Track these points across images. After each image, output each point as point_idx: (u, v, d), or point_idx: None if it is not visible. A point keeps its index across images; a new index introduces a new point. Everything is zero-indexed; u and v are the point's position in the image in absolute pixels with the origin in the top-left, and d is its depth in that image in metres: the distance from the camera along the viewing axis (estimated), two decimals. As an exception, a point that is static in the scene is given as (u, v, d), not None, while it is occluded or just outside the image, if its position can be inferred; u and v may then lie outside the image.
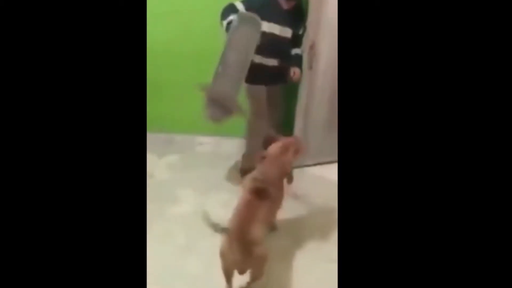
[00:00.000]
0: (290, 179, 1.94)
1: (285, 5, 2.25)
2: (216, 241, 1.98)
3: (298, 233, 2.14)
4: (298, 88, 2.69)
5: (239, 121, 2.91)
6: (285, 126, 3.00)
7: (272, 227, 2.03)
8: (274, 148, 1.88)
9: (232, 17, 2.13)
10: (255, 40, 2.14)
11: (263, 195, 1.64)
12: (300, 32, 2.40)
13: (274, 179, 1.77)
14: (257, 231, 1.49)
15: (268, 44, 2.25)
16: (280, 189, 1.82)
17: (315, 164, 2.93)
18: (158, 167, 2.74)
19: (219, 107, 2.21)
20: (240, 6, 2.16)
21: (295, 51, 2.44)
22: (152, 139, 3.02)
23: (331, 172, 2.82)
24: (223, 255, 1.48)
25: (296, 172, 2.83)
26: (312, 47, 2.52)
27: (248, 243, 1.43)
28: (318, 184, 2.71)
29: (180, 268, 1.79)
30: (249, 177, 1.79)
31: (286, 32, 2.30)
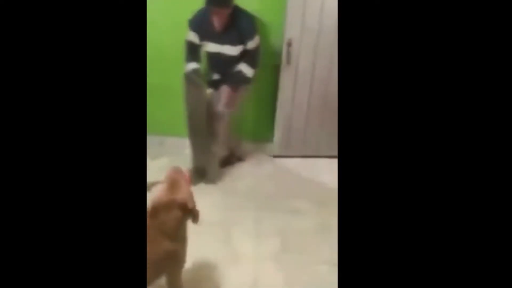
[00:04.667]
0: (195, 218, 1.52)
1: (217, 25, 2.26)
2: (210, 241, 2.08)
3: (289, 233, 2.20)
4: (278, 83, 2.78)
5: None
6: (267, 120, 3.06)
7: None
8: (162, 192, 1.49)
9: (189, 66, 2.42)
10: (202, 100, 2.39)
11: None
12: (250, 47, 2.37)
13: (175, 227, 1.46)
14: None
15: (213, 62, 2.48)
16: (184, 233, 1.53)
17: (295, 156, 2.99)
18: (150, 169, 2.81)
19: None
20: (192, 37, 2.39)
21: (239, 67, 2.43)
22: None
23: (315, 167, 2.87)
24: None
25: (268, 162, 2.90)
26: (289, 44, 2.60)
27: None
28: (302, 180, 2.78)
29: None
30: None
31: (229, 49, 2.35)
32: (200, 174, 2.61)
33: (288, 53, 2.64)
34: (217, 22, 2.24)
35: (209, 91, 2.52)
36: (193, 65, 2.41)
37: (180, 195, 1.45)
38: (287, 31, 2.60)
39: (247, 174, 2.75)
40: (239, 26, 2.29)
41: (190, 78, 2.37)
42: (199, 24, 2.32)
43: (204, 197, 2.40)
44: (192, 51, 2.42)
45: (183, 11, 2.60)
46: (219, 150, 2.63)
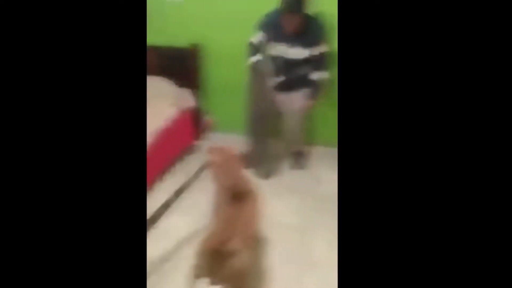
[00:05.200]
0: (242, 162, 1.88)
1: (288, 29, 2.28)
2: (285, 244, 2.04)
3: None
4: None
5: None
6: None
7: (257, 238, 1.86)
8: (212, 153, 1.79)
9: (252, 59, 2.44)
10: (266, 90, 2.41)
11: (243, 198, 1.59)
12: (317, 53, 2.38)
13: (240, 175, 1.73)
14: (236, 241, 1.41)
15: (278, 64, 2.46)
16: (248, 179, 1.76)
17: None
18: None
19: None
20: (260, 37, 2.39)
21: (314, 75, 2.46)
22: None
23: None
24: (195, 262, 1.42)
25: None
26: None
27: (224, 254, 1.35)
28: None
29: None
30: (217, 189, 1.71)
31: (296, 53, 2.37)
32: (256, 166, 2.66)
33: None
34: (288, 26, 2.28)
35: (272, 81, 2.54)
36: (257, 57, 2.45)
37: (225, 149, 1.77)
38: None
39: (328, 179, 2.69)
40: (309, 31, 2.33)
41: (256, 68, 2.42)
42: (269, 26, 2.37)
43: (281, 200, 2.43)
44: (257, 49, 2.46)
45: (252, 9, 2.60)
46: (285, 147, 2.62)
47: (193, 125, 2.88)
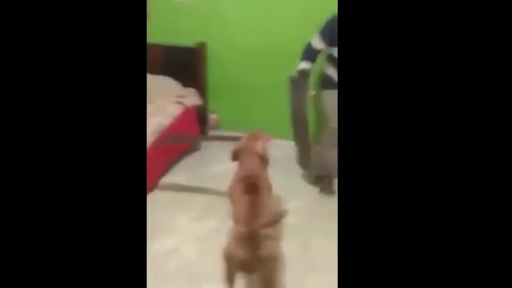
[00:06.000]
0: (266, 163, 1.92)
1: None
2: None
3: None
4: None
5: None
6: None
7: (278, 216, 2.00)
8: (243, 141, 1.94)
9: (302, 65, 2.28)
10: (303, 102, 2.30)
11: (257, 189, 1.65)
12: None
13: (258, 169, 1.81)
14: (265, 225, 1.51)
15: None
16: (267, 175, 1.86)
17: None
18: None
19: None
20: (317, 41, 2.23)
21: None
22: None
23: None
24: (228, 255, 1.46)
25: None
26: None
27: (258, 238, 1.42)
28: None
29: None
30: (235, 178, 1.82)
31: None
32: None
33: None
34: None
35: (312, 92, 2.43)
36: (304, 65, 2.29)
37: (257, 144, 1.89)
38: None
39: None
40: None
41: (294, 80, 2.29)
42: (331, 30, 2.18)
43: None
44: (310, 53, 2.30)
45: (257, 10, 2.61)
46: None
47: (197, 123, 2.90)
